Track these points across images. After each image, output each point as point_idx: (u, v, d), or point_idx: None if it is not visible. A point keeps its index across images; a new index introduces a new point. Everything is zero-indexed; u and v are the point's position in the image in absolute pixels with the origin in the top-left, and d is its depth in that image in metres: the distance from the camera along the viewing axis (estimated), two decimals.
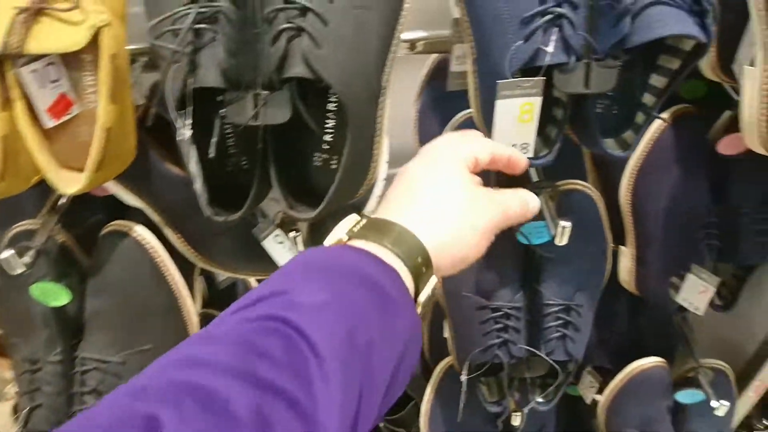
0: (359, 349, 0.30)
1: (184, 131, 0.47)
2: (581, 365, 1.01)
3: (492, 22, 0.50)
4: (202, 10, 0.45)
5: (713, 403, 0.79)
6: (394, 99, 0.79)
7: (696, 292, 0.77)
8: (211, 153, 0.49)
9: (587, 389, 0.97)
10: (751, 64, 0.55)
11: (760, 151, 0.57)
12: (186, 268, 0.74)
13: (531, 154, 0.53)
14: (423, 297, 0.38)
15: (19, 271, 0.58)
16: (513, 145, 0.52)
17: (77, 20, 0.51)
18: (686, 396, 0.85)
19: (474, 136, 0.48)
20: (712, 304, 0.83)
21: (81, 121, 0.58)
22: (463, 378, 0.71)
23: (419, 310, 0.38)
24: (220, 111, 0.50)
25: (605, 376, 0.95)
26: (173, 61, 0.46)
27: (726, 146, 0.70)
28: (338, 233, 0.39)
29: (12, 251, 0.57)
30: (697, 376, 0.83)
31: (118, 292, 0.65)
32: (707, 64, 0.63)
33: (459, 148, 0.43)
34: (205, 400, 0.25)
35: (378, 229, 0.37)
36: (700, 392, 0.82)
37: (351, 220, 0.40)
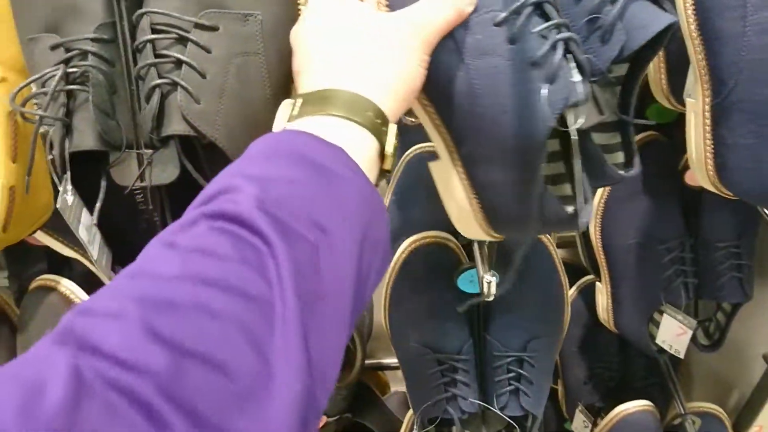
0: (312, 230, 0.28)
1: (66, 197, 0.45)
2: (572, 402, 0.95)
3: (492, 84, 0.40)
4: (71, 70, 0.43)
5: None
6: None
7: (673, 335, 0.71)
8: (94, 219, 0.46)
9: (581, 428, 0.92)
10: (692, 96, 0.49)
11: (709, 188, 0.51)
12: None
13: None
14: (390, 147, 0.35)
15: None
16: None
17: None
18: None
19: None
20: (697, 344, 0.77)
21: None
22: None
23: (389, 161, 0.36)
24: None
25: (598, 413, 0.90)
26: (46, 125, 0.43)
27: (693, 177, 0.64)
28: (279, 123, 0.36)
29: None
30: (684, 423, 0.76)
31: None
32: (660, 92, 0.58)
33: None
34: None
35: (314, 102, 0.35)
36: None
37: (287, 105, 0.37)
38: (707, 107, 0.47)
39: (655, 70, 0.57)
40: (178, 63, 0.43)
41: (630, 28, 0.41)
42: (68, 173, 0.44)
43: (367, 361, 1.03)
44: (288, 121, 0.35)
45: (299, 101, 0.36)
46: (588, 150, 0.44)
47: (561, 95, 0.39)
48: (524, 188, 0.42)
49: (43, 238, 0.64)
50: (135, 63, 0.43)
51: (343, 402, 0.89)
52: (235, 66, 0.44)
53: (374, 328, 1.01)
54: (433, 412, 0.64)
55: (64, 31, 0.44)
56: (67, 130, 0.44)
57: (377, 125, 0.34)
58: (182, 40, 0.43)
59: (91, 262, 0.65)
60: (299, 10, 0.47)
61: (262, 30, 0.45)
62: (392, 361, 1.06)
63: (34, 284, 0.64)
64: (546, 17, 0.40)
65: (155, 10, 0.43)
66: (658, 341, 0.74)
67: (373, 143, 0.34)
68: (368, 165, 0.34)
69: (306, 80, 0.37)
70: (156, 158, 0.44)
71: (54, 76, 0.42)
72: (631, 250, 0.70)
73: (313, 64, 0.37)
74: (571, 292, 0.86)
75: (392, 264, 0.65)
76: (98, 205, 0.46)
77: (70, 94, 0.43)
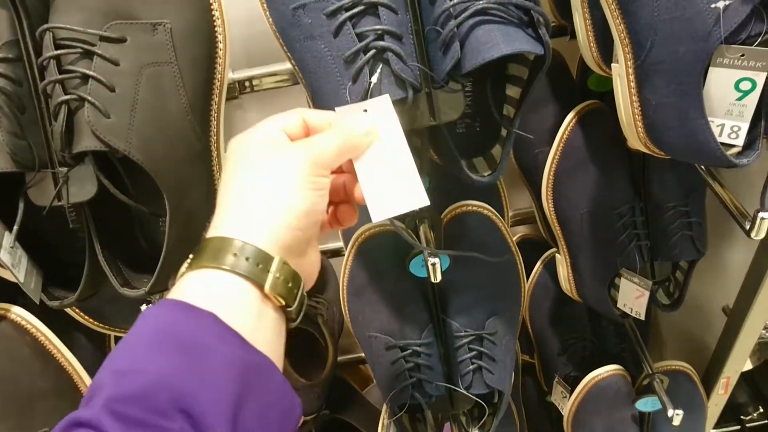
0: (174, 417, 0.29)
1: None
2: (549, 375, 0.96)
3: (318, 65, 0.45)
4: None
5: (669, 412, 0.73)
6: None
7: (632, 298, 0.72)
8: (11, 242, 0.45)
9: (560, 399, 0.92)
10: (617, 61, 0.49)
11: (643, 149, 0.51)
12: (96, 336, 0.71)
13: None
14: (269, 286, 0.34)
15: None
16: None
17: None
18: (645, 404, 0.79)
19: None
20: (659, 305, 0.77)
21: None
22: (386, 421, 0.67)
23: (286, 296, 0.35)
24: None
25: (575, 383, 0.90)
26: None
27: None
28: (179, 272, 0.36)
29: None
30: (652, 383, 0.77)
31: (3, 381, 0.61)
32: (592, 61, 0.57)
33: (269, 122, 0.38)
34: None
35: (198, 253, 0.35)
36: (657, 400, 0.77)
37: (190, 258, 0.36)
38: (630, 70, 0.47)
39: (585, 39, 0.57)
40: (85, 78, 0.42)
41: (470, 48, 0.43)
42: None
43: (346, 356, 1.03)
44: (179, 276, 0.35)
45: (199, 246, 0.36)
46: (441, 143, 0.49)
47: (357, 97, 0.43)
48: None
49: None
50: (41, 80, 0.42)
51: (317, 400, 0.88)
52: (145, 77, 0.43)
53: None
54: (401, 399, 0.64)
55: None
56: None
57: (257, 270, 0.34)
58: (88, 54, 0.42)
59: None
60: (213, 16, 0.46)
61: (173, 38, 0.44)
62: None
63: None
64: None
65: (58, 25, 0.42)
66: (619, 305, 0.74)
67: (250, 290, 0.34)
68: (247, 315, 0.33)
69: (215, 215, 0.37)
70: (72, 176, 0.44)
71: None
72: (584, 219, 0.70)
73: (216, 211, 0.37)
74: (537, 267, 0.86)
75: (345, 257, 0.65)
76: (15, 227, 0.45)
77: None
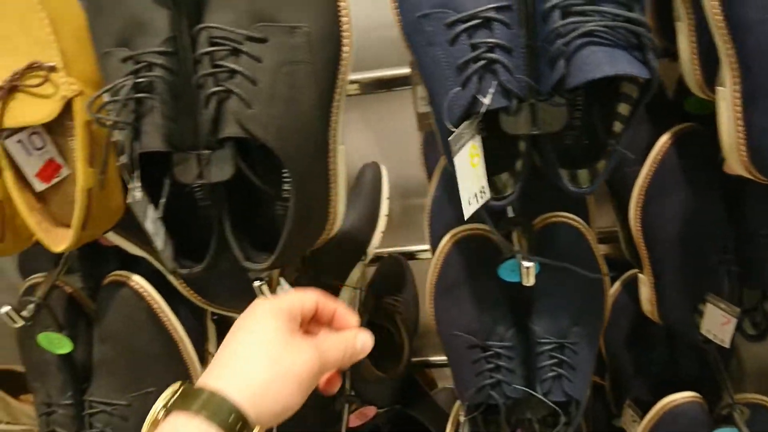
0: None
1: (135, 193, 0.50)
2: (620, 397, 0.95)
3: (434, 69, 0.50)
4: (139, 80, 0.48)
5: None
6: (403, 133, 0.80)
7: (718, 324, 0.71)
8: (159, 213, 0.51)
9: (629, 423, 0.92)
10: (722, 84, 0.50)
11: (745, 175, 0.52)
12: (198, 310, 0.77)
13: (487, 197, 0.51)
14: None
15: (19, 324, 0.63)
16: (474, 195, 0.50)
17: (48, 93, 0.55)
18: None
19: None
20: (744, 334, 0.76)
21: (71, 182, 0.62)
22: (462, 419, 0.69)
23: None
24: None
25: (647, 408, 0.90)
26: (118, 129, 0.49)
27: (730, 165, 0.65)
28: (158, 403, 0.40)
29: (9, 307, 0.61)
30: (732, 413, 0.76)
31: (120, 340, 0.68)
32: (695, 84, 0.59)
33: (278, 299, 0.44)
34: None
35: (187, 396, 0.38)
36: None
37: (170, 390, 0.40)
38: (736, 93, 0.49)
39: (690, 63, 0.58)
40: (232, 72, 0.47)
41: (575, 67, 0.46)
42: (137, 172, 0.49)
43: (414, 358, 1.06)
44: (162, 405, 0.39)
45: (180, 390, 0.39)
46: (542, 152, 0.52)
47: (462, 102, 0.47)
48: None
49: (114, 239, 0.70)
50: (195, 72, 0.48)
51: (392, 394, 0.92)
52: (283, 74, 0.48)
53: (420, 325, 1.03)
54: (478, 398, 0.67)
55: (133, 45, 0.49)
56: (136, 133, 0.49)
57: (235, 429, 0.36)
58: (236, 52, 0.47)
59: (155, 256, 0.71)
60: (341, 22, 0.51)
61: (309, 41, 0.49)
62: (438, 358, 1.09)
63: (107, 279, 0.70)
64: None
65: (213, 24, 0.48)
66: (702, 331, 0.74)
67: None
68: None
69: (207, 368, 0.41)
70: (213, 158, 0.49)
71: (125, 85, 0.47)
72: (673, 241, 0.71)
73: (216, 357, 0.40)
74: (616, 287, 0.87)
75: (436, 257, 0.68)
76: (162, 200, 0.51)
77: (138, 102, 0.48)
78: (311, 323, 0.46)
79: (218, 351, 0.41)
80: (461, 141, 0.48)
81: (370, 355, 0.89)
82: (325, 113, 0.51)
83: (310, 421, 0.99)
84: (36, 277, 0.70)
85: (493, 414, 0.71)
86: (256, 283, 0.57)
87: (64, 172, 0.62)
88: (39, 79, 0.55)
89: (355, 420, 0.89)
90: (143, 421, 0.68)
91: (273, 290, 0.60)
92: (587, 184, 0.55)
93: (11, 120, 0.55)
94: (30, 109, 0.55)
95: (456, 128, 0.48)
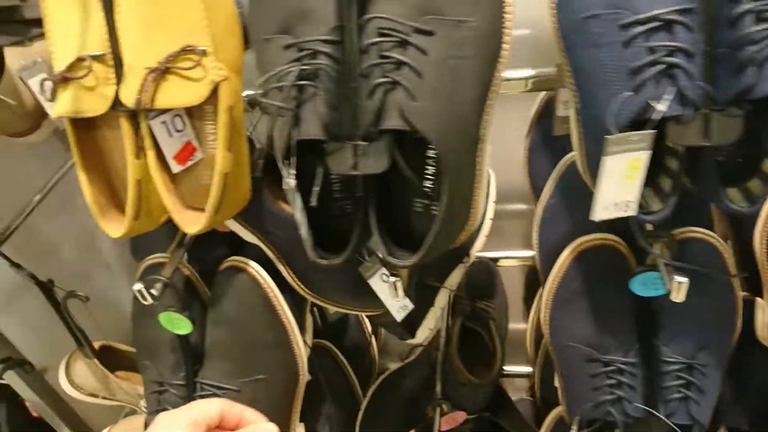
0: None
1: (290, 180, 0.50)
2: (715, 426, 0.91)
3: (596, 72, 0.48)
4: (304, 67, 0.48)
5: None
6: (502, 137, 0.78)
7: None
8: (313, 202, 0.51)
9: None
10: None
11: None
12: (298, 301, 0.77)
13: (634, 212, 0.49)
14: None
15: (149, 302, 0.64)
16: (615, 204, 0.49)
17: (198, 77, 0.56)
18: None
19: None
20: None
21: (203, 165, 0.63)
22: None
23: None
24: (323, 161, 0.52)
25: None
26: (278, 116, 0.48)
27: None
28: None
29: (141, 285, 0.63)
30: None
31: (234, 325, 0.69)
32: None
33: (182, 411, 0.47)
34: None
35: None
36: None
37: None
38: None
39: None
40: (399, 64, 0.47)
41: (764, 75, 0.43)
42: (293, 159, 0.49)
43: None
44: None
45: None
46: (703, 167, 0.50)
47: (633, 107, 0.45)
48: None
49: (232, 224, 0.71)
50: (359, 63, 0.47)
51: (482, 401, 0.90)
52: (448, 68, 0.47)
53: None
54: (596, 414, 0.65)
55: (297, 33, 0.49)
56: (296, 120, 0.49)
57: None
58: (403, 44, 0.47)
59: (267, 244, 0.71)
60: (504, 19, 0.50)
61: (475, 36, 0.48)
62: (510, 368, 1.07)
63: (224, 264, 0.70)
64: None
65: (382, 15, 0.47)
66: None
67: None
68: None
69: None
70: (369, 150, 0.49)
71: (290, 72, 0.47)
72: None
73: None
74: None
75: (558, 266, 0.67)
76: (316, 189, 0.51)
77: (300, 89, 0.48)
78: (217, 430, 0.49)
79: None
80: (622, 146, 0.46)
81: (463, 359, 0.89)
82: (479, 110, 0.50)
83: (393, 420, 0.98)
84: (156, 257, 0.71)
85: (607, 429, 0.68)
86: (392, 279, 0.56)
87: (198, 155, 0.63)
88: (191, 63, 0.56)
89: (444, 425, 0.88)
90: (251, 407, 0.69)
91: (406, 289, 0.59)
92: (743, 202, 0.52)
93: (162, 101, 0.56)
94: (180, 92, 0.56)
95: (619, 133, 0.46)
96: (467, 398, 0.87)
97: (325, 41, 0.48)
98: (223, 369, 0.69)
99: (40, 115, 0.81)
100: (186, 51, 0.56)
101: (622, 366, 0.63)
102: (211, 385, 0.69)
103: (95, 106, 0.57)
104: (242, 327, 0.69)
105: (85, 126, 0.61)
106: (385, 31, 0.47)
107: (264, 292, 0.69)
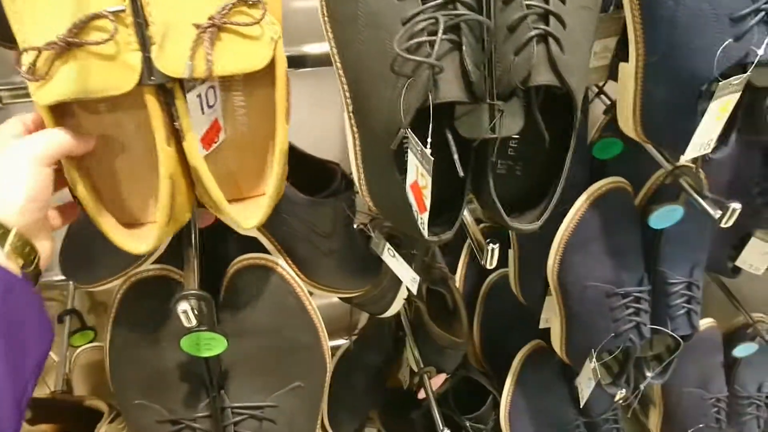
0: None
1: (425, 150, 0.43)
2: None
3: (694, 23, 0.50)
4: (446, 19, 0.42)
5: None
6: None
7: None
8: (460, 172, 0.45)
9: None
10: None
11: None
12: None
13: (710, 150, 0.54)
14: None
15: (192, 324, 0.51)
16: (700, 144, 0.52)
17: (256, 34, 0.45)
18: None
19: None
20: None
21: (228, 147, 0.51)
22: (593, 365, 0.73)
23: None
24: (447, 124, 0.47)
25: None
26: (406, 76, 0.42)
27: None
28: None
29: (188, 305, 0.49)
30: None
31: (267, 334, 0.59)
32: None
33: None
34: None
35: None
36: None
37: None
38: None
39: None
40: (545, 15, 0.44)
41: None
42: (431, 124, 0.43)
43: None
44: None
45: None
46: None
47: (736, 53, 0.48)
48: None
49: None
50: (502, 15, 0.43)
51: (460, 357, 0.91)
52: (581, 18, 0.46)
53: None
54: (617, 342, 0.70)
55: None
56: (434, 81, 0.42)
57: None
58: None
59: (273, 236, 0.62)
60: None
61: None
62: None
63: (241, 264, 0.59)
64: None
65: None
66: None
67: None
68: None
69: None
70: (507, 110, 0.45)
71: (431, 24, 0.41)
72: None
73: None
74: None
75: (572, 214, 0.70)
76: (456, 156, 0.45)
77: (442, 44, 0.42)
78: None
79: None
80: (726, 90, 0.50)
81: (435, 321, 0.88)
82: (588, 62, 0.50)
83: (360, 396, 0.95)
84: (153, 269, 0.57)
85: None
86: (491, 246, 0.54)
87: (221, 137, 0.51)
88: (251, 18, 0.44)
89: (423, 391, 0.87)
90: (292, 422, 0.60)
91: (492, 257, 0.56)
92: None
93: (222, 67, 0.44)
94: (241, 55, 0.45)
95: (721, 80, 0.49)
96: (451, 360, 0.87)
97: None
98: (254, 385, 0.59)
99: None
100: (240, 2, 0.44)
101: (638, 294, 0.70)
102: (245, 408, 0.58)
103: (115, 81, 0.42)
104: (277, 334, 0.59)
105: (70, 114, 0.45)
106: None
107: (295, 291, 0.60)
